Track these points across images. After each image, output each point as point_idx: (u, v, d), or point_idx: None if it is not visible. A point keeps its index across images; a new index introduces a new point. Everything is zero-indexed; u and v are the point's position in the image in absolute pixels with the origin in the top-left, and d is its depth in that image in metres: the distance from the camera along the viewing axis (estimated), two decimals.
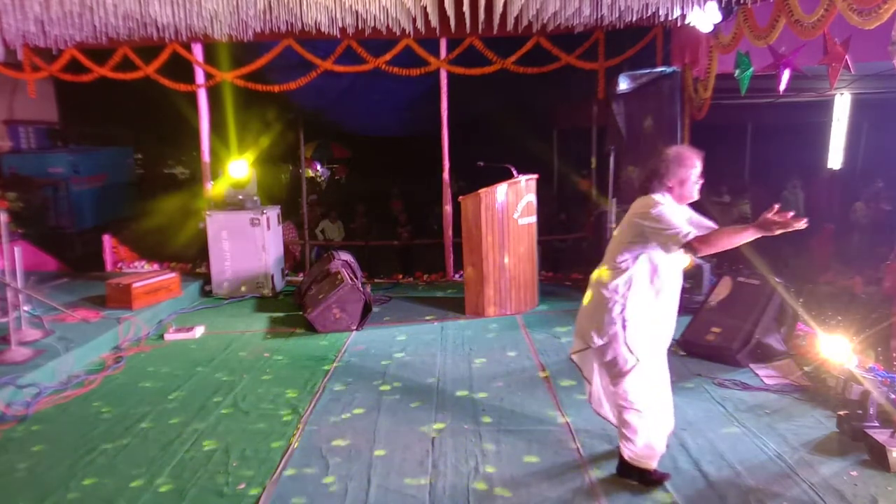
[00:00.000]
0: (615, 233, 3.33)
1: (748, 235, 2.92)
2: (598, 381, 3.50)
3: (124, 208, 10.35)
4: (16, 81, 8.25)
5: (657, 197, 3.15)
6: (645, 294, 3.18)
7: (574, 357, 3.49)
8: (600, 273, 3.29)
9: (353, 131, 12.46)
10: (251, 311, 6.91)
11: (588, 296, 3.34)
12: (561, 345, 5.51)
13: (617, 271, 3.19)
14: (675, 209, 3.14)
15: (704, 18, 6.02)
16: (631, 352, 3.18)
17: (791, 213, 2.81)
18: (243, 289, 7.38)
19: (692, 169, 3.15)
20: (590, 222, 8.44)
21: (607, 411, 3.56)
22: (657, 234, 3.05)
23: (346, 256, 7.19)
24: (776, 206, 2.88)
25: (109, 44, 7.29)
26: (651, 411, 3.23)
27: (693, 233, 2.97)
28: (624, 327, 3.17)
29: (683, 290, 3.37)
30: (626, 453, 3.29)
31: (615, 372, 3.25)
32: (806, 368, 4.68)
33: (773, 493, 3.20)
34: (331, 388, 4.70)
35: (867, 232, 9.28)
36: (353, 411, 4.29)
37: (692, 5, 6.02)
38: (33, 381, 4.59)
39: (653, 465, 3.27)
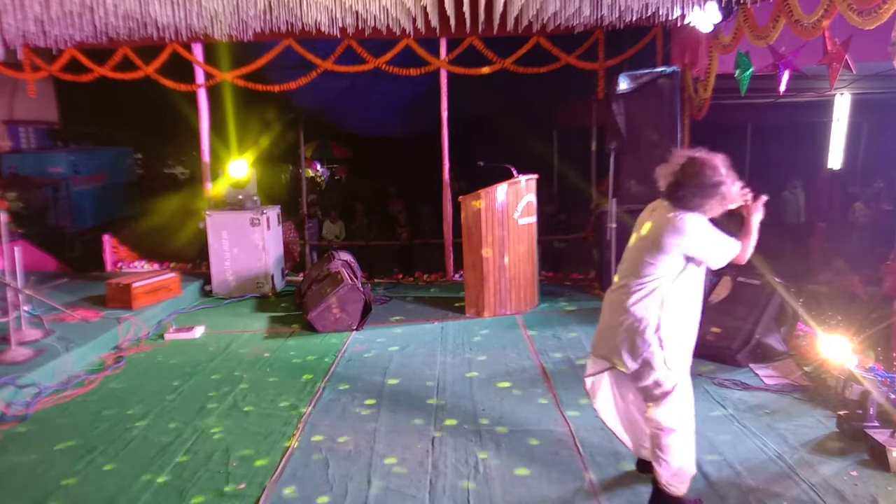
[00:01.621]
0: (636, 244, 3.10)
1: (754, 228, 3.08)
2: (619, 405, 3.34)
3: (124, 208, 10.36)
4: (16, 81, 8.26)
5: (696, 216, 2.94)
6: (679, 311, 3.03)
7: (588, 381, 3.31)
8: (624, 290, 3.06)
9: (353, 131, 12.48)
10: (251, 311, 6.91)
11: (610, 314, 3.13)
12: (561, 345, 5.51)
13: (645, 288, 2.99)
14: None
15: (704, 18, 6.02)
16: (670, 370, 3.03)
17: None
18: (243, 289, 7.38)
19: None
20: (590, 222, 8.45)
21: (622, 435, 3.43)
22: (711, 252, 2.96)
23: (346, 256, 7.19)
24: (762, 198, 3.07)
25: (109, 44, 7.28)
26: (688, 430, 3.11)
27: (738, 243, 3.04)
28: (661, 346, 3.00)
29: None
30: (663, 478, 3.08)
31: (656, 395, 3.06)
32: (806, 368, 4.68)
33: (773, 493, 3.20)
34: (331, 387, 4.70)
35: (867, 232, 9.29)
36: (353, 411, 4.29)
37: (692, 5, 6.02)
38: (33, 381, 4.59)
39: (684, 489, 3.11)
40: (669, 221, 2.94)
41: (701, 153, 3.01)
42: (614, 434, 3.46)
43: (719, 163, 2.96)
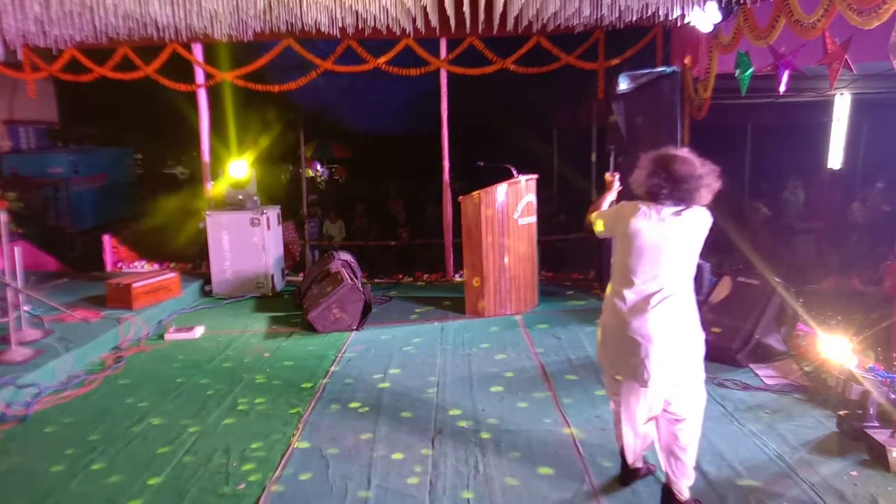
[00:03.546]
0: (646, 251, 2.95)
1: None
2: (639, 424, 3.19)
3: (124, 208, 10.36)
4: (16, 81, 8.25)
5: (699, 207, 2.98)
6: (694, 308, 3.04)
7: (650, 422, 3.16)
8: (670, 300, 2.93)
9: (353, 131, 12.48)
10: (251, 311, 6.91)
11: (664, 330, 2.92)
12: (561, 345, 5.51)
13: (689, 293, 2.99)
14: None
15: (704, 18, 6.02)
16: (703, 380, 3.04)
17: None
18: (243, 289, 7.38)
19: None
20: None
21: (634, 447, 3.28)
22: None
23: (346, 256, 7.19)
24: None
25: (109, 44, 7.28)
26: None
27: None
28: (700, 351, 3.02)
29: None
30: (683, 485, 3.04)
31: (698, 405, 3.03)
32: (806, 368, 4.68)
33: (773, 493, 3.20)
34: (330, 388, 4.70)
35: (866, 232, 9.28)
36: (353, 411, 4.29)
37: (692, 5, 6.02)
38: (33, 381, 4.59)
39: (688, 493, 3.08)
40: (699, 219, 2.95)
41: (675, 151, 2.99)
42: (627, 446, 3.28)
43: (698, 161, 2.97)
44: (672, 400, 3.02)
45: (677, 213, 2.93)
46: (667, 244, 2.92)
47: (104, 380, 4.93)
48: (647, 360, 2.93)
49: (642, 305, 2.94)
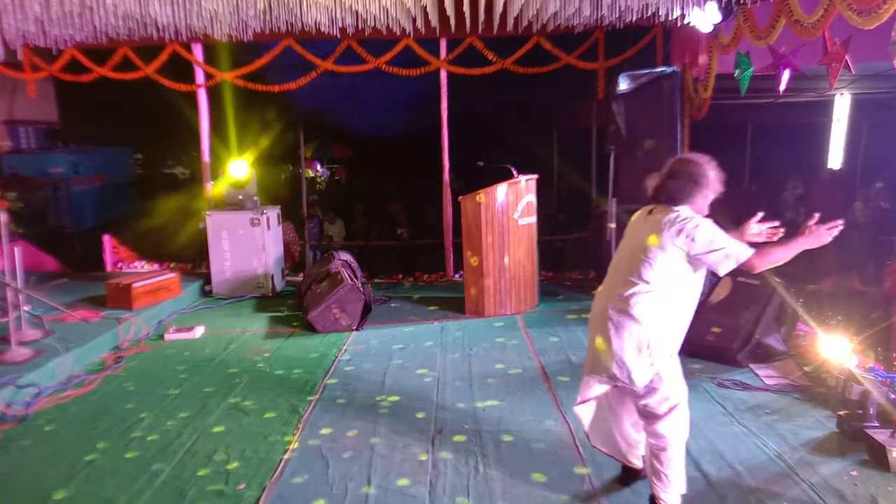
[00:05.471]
0: (630, 249, 3.01)
1: (800, 247, 2.90)
2: (610, 422, 3.23)
3: (124, 208, 10.35)
4: (16, 81, 8.25)
5: (687, 210, 2.91)
6: (678, 315, 2.95)
7: (582, 406, 3.19)
8: (623, 299, 2.92)
9: (353, 131, 12.49)
10: (251, 311, 6.91)
11: (612, 327, 2.94)
12: (561, 345, 5.51)
13: (649, 295, 2.88)
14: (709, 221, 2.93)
15: (704, 18, 6.02)
16: (677, 381, 2.97)
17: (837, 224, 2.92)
18: (243, 289, 7.38)
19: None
20: (590, 222, 8.44)
21: (614, 449, 3.30)
22: (710, 254, 2.82)
23: (346, 256, 7.19)
24: (816, 217, 2.94)
25: (109, 44, 7.30)
26: (685, 439, 3.04)
27: (751, 249, 2.84)
28: (670, 356, 2.95)
29: None
30: (663, 492, 3.00)
31: (664, 409, 2.95)
32: (806, 368, 4.69)
33: (773, 493, 3.20)
34: (330, 388, 4.70)
35: (867, 232, 9.26)
36: (353, 411, 4.29)
37: (692, 5, 6.03)
38: (33, 381, 4.59)
39: (679, 501, 3.05)
40: (671, 215, 2.90)
41: (685, 154, 3.07)
42: (602, 451, 3.33)
43: (703, 160, 2.98)
44: (638, 395, 2.99)
45: (652, 212, 2.98)
46: (632, 241, 3.01)
47: (104, 380, 4.93)
48: (594, 352, 3.05)
49: (604, 300, 3.04)
